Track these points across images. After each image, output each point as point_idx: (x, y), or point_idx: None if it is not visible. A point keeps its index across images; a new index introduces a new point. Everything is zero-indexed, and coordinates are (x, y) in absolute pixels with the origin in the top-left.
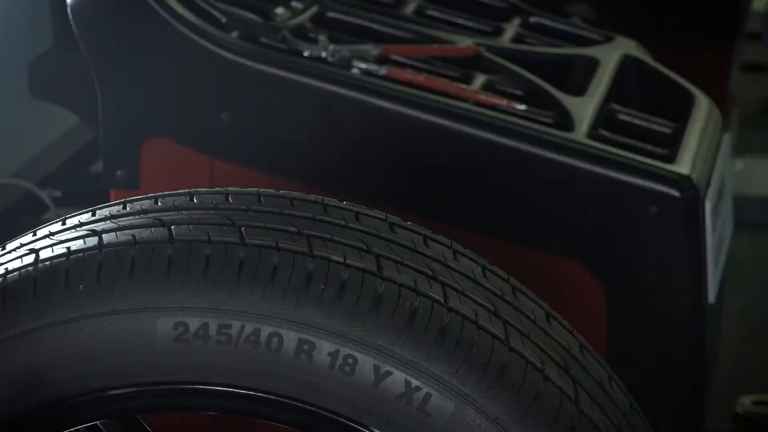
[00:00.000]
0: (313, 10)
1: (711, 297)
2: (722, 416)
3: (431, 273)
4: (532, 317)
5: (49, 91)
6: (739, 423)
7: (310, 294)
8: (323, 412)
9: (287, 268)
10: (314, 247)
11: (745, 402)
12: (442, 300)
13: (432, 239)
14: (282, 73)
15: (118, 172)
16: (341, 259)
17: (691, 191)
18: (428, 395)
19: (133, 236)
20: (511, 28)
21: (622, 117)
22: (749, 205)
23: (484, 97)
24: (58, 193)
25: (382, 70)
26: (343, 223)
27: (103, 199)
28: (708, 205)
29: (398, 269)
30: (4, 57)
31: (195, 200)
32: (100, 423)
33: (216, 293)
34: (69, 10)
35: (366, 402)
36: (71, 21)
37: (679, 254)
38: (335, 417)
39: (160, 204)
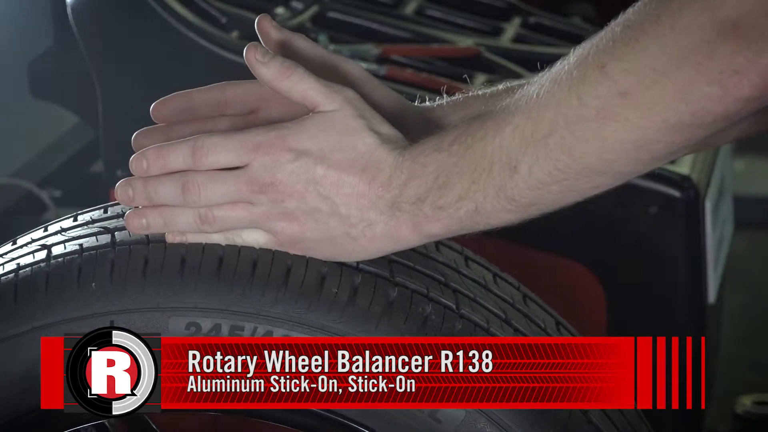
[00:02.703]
0: (313, 10)
1: (711, 297)
2: (722, 416)
3: (443, 279)
4: (543, 325)
5: (49, 91)
6: (739, 423)
7: (323, 297)
8: (329, 415)
9: (300, 270)
10: None
11: (745, 402)
12: (454, 306)
13: (443, 244)
14: None
15: (118, 172)
16: (354, 264)
17: (691, 191)
18: None
19: (147, 235)
20: (511, 28)
21: None
22: (749, 205)
23: None
24: (58, 193)
25: (382, 70)
26: None
27: (103, 199)
28: (708, 205)
29: (410, 275)
30: (4, 57)
31: None
32: (107, 422)
33: (229, 294)
34: (69, 10)
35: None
36: (71, 21)
37: (679, 254)
38: (341, 420)
39: None
